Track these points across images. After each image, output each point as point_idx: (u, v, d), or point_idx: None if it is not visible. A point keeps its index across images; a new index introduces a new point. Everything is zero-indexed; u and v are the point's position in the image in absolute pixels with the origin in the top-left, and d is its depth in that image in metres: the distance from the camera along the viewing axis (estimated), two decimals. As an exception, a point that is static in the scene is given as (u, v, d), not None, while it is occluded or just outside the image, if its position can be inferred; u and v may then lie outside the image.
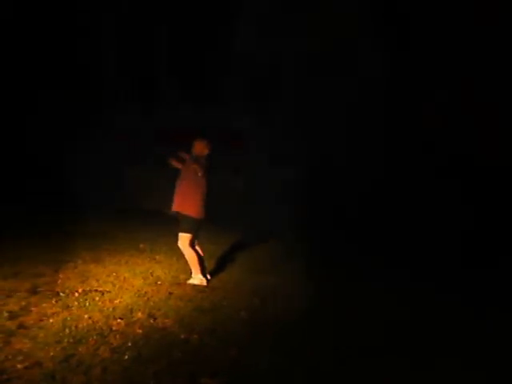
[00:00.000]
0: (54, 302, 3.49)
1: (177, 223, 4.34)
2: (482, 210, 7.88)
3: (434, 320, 3.73)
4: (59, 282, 4.04)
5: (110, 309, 3.44)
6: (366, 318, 3.70)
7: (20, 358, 2.54)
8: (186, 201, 4.18)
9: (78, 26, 10.07)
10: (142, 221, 7.83)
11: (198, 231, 4.32)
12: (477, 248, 6.86)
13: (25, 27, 9.99)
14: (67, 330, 2.96)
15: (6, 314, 3.16)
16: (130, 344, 2.85)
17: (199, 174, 4.15)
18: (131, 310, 3.44)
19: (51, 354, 2.62)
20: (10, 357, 2.54)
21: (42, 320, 3.11)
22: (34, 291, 3.72)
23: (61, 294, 3.69)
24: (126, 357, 2.67)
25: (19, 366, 2.45)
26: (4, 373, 2.36)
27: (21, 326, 2.98)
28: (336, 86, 9.24)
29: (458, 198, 8.20)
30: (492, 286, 4.93)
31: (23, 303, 3.41)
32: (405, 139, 9.33)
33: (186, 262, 4.39)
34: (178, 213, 4.24)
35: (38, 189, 9.00)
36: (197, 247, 4.38)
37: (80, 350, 2.71)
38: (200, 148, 4.33)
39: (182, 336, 3.04)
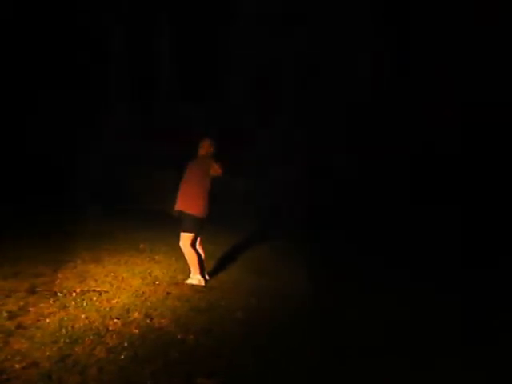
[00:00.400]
0: (51, 301, 3.48)
1: (178, 223, 4.33)
2: (482, 210, 7.85)
3: (434, 320, 3.71)
4: (57, 282, 4.02)
5: (107, 309, 3.43)
6: (366, 318, 3.68)
7: (18, 358, 2.54)
8: (190, 200, 4.17)
9: (78, 26, 10.08)
10: (142, 221, 7.82)
11: (200, 230, 4.30)
12: (477, 248, 6.83)
13: (25, 27, 10.00)
14: (64, 330, 2.95)
15: (5, 314, 3.15)
16: (126, 344, 2.83)
17: (219, 172, 4.18)
18: (128, 310, 3.43)
19: (47, 353, 2.62)
20: (9, 357, 2.54)
21: (39, 320, 3.10)
22: (32, 291, 3.71)
23: (58, 294, 3.68)
24: (123, 357, 2.66)
25: (17, 366, 2.45)
26: (3, 373, 2.37)
27: (19, 326, 2.98)
28: (335, 86, 9.23)
29: (458, 198, 8.18)
30: (492, 285, 4.90)
31: (22, 303, 3.40)
32: (404, 138, 9.31)
33: (186, 261, 4.37)
34: (181, 212, 4.23)
35: (38, 189, 9.01)
36: (198, 247, 4.36)
37: (76, 349, 2.70)
38: (206, 147, 4.35)
39: (179, 336, 3.03)
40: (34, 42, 10.01)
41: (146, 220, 7.90)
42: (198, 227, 4.23)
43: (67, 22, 10.05)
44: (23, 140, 9.96)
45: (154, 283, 4.24)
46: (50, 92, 10.02)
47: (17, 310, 3.26)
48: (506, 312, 3.98)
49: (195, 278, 4.26)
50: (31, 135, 9.95)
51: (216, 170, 4.18)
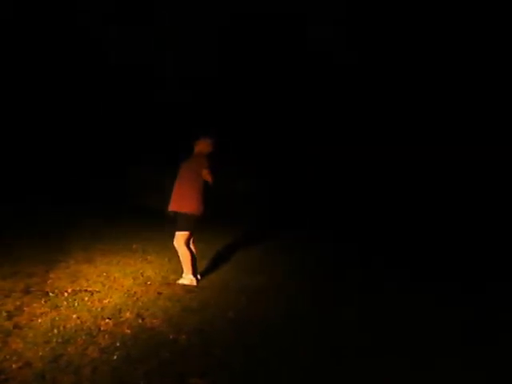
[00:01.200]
0: (43, 302, 3.48)
1: (173, 223, 4.29)
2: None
3: (434, 320, 3.65)
4: (49, 282, 4.03)
5: (99, 309, 3.42)
6: (364, 317, 3.63)
7: (15, 358, 2.55)
8: (183, 199, 4.14)
9: (78, 26, 10.07)
10: (139, 220, 7.83)
11: (194, 229, 4.24)
12: (477, 248, 6.78)
13: (25, 27, 10.00)
14: (55, 330, 2.95)
15: (4, 314, 3.16)
16: (118, 344, 2.83)
17: (208, 179, 4.09)
18: (120, 310, 3.42)
19: (40, 353, 2.62)
20: (7, 357, 2.55)
21: (32, 320, 3.11)
22: (27, 291, 3.72)
23: (50, 294, 3.68)
24: (115, 357, 2.65)
25: (14, 366, 2.46)
26: (2, 373, 2.38)
27: (16, 326, 2.98)
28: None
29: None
30: (492, 285, 4.84)
31: (18, 303, 3.41)
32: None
33: (178, 262, 4.35)
34: (175, 212, 4.19)
35: (38, 188, 9.02)
36: (192, 246, 4.31)
37: (69, 350, 2.70)
38: (203, 146, 4.30)
39: (171, 336, 3.02)
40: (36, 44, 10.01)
41: (142, 220, 7.90)
42: (193, 225, 4.19)
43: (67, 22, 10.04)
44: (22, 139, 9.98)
45: (145, 283, 4.23)
46: (48, 92, 10.04)
47: (14, 310, 3.27)
48: (506, 312, 3.93)
49: (187, 278, 4.23)
50: (30, 134, 9.96)
51: (205, 175, 4.09)
